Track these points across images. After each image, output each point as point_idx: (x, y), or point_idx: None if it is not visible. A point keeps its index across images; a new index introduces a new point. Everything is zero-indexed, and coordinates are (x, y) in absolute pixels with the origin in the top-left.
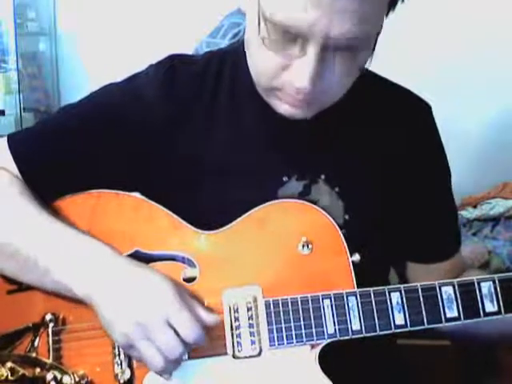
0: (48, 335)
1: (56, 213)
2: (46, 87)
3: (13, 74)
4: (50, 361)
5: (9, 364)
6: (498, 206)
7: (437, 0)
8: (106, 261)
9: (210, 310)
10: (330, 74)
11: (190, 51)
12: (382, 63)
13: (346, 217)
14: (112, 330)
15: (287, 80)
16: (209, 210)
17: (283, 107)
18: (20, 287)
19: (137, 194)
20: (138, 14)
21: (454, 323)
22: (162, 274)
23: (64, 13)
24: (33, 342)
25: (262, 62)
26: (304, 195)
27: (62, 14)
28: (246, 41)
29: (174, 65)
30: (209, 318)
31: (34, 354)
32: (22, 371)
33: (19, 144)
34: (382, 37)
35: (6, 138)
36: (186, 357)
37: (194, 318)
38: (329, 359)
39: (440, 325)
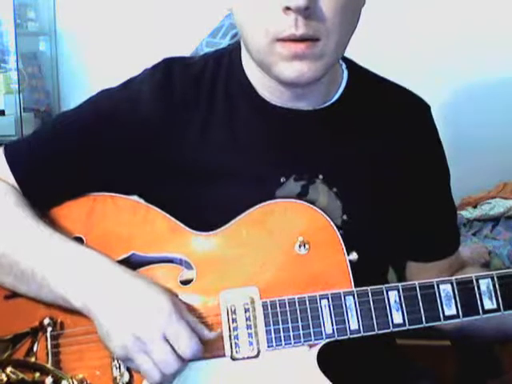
0: (46, 339)
1: (53, 217)
2: (46, 87)
3: (13, 74)
4: (48, 365)
5: (8, 368)
6: (498, 206)
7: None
8: (103, 272)
9: (207, 312)
10: None
11: (190, 51)
12: (381, 63)
13: (344, 217)
14: (109, 341)
15: (284, 17)
16: (207, 212)
17: (289, 66)
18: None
19: (135, 197)
20: (138, 13)
21: (452, 321)
22: (160, 286)
23: (64, 13)
24: (32, 346)
25: (257, 14)
26: (302, 196)
27: (61, 14)
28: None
29: (169, 68)
30: (207, 334)
31: (33, 359)
32: (21, 375)
33: (16, 154)
34: (380, 37)
35: (2, 148)
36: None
37: (190, 334)
38: (328, 359)
39: (439, 323)
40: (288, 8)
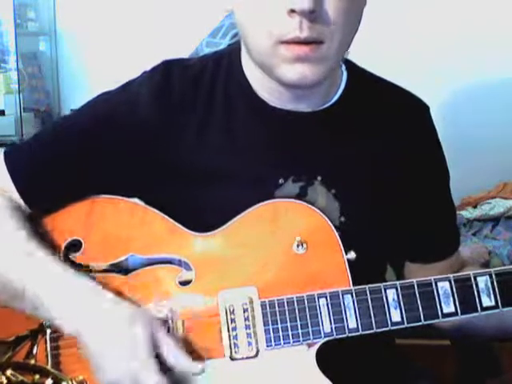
0: (46, 342)
1: (52, 219)
2: (46, 87)
3: (13, 74)
4: (48, 367)
5: (8, 371)
6: (498, 206)
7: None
8: (90, 301)
9: (206, 313)
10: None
11: (190, 51)
12: (381, 63)
13: (342, 218)
14: (97, 374)
15: (289, 20)
16: (205, 214)
17: (292, 68)
18: None
19: (135, 199)
20: (138, 13)
21: (451, 319)
22: (146, 315)
23: (64, 13)
24: (31, 348)
25: (260, 16)
26: (300, 197)
27: (61, 14)
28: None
29: (168, 70)
30: (192, 366)
31: (32, 361)
32: (21, 378)
33: (15, 160)
34: (380, 37)
35: (1, 154)
36: None
37: (160, 379)
38: (327, 359)
39: (437, 320)
40: (293, 11)
